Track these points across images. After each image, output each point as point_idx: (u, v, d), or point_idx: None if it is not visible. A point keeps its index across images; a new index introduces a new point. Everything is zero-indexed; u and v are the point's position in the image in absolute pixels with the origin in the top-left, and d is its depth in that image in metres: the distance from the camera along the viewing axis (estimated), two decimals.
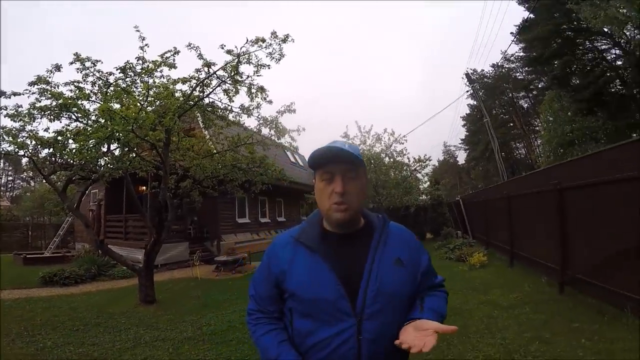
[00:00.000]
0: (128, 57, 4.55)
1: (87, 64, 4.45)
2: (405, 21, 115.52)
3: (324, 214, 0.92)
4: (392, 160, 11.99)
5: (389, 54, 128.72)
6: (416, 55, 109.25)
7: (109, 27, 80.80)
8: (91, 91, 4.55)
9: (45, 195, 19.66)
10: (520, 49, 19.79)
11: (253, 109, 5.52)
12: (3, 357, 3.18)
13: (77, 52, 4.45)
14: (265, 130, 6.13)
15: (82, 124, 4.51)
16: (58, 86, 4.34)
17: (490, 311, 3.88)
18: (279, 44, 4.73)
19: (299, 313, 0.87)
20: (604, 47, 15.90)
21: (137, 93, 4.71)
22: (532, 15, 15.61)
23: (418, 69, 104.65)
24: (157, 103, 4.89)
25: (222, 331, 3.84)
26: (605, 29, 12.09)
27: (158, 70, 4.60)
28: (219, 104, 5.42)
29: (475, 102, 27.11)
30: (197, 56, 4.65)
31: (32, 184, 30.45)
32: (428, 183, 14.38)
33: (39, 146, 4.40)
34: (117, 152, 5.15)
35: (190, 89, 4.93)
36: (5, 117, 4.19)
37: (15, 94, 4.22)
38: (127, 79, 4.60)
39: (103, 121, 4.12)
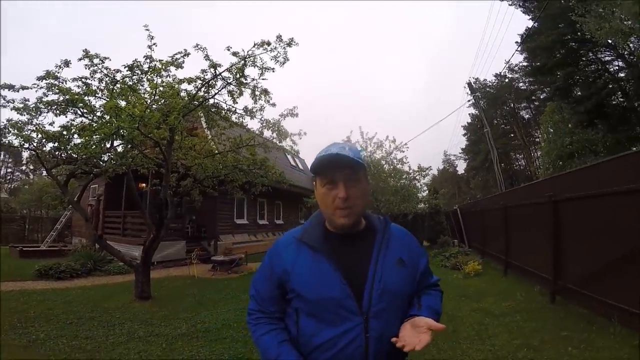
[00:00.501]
0: (129, 56, 4.64)
1: (96, 60, 4.53)
2: (410, 24, 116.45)
3: (328, 218, 0.94)
4: (392, 167, 12.14)
5: (390, 56, 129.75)
6: (421, 56, 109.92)
7: (109, 27, 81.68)
8: (98, 87, 4.62)
9: (43, 188, 19.69)
10: (524, 58, 19.86)
11: (256, 111, 5.61)
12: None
13: (86, 49, 4.55)
14: (267, 133, 6.21)
15: (87, 120, 4.59)
16: (66, 82, 4.41)
17: (482, 318, 3.93)
18: (284, 48, 4.84)
19: (305, 313, 0.88)
20: (607, 58, 15.95)
21: (142, 91, 4.79)
22: (536, 25, 15.62)
23: (423, 70, 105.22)
24: (162, 102, 4.97)
25: (216, 329, 3.87)
26: (609, 41, 12.09)
27: (165, 70, 4.67)
28: (223, 105, 5.52)
29: (476, 112, 27.25)
30: (204, 57, 4.73)
31: (31, 176, 30.39)
32: (427, 192, 14.46)
33: (44, 140, 4.45)
34: (120, 149, 5.22)
35: (196, 89, 5.01)
36: (12, 110, 4.27)
37: (23, 87, 4.29)
38: (134, 77, 4.68)
39: (108, 117, 4.19)
